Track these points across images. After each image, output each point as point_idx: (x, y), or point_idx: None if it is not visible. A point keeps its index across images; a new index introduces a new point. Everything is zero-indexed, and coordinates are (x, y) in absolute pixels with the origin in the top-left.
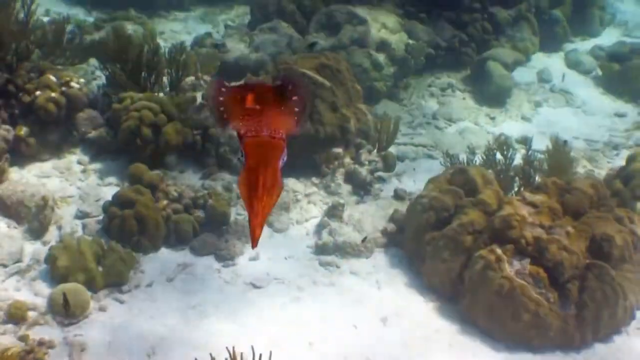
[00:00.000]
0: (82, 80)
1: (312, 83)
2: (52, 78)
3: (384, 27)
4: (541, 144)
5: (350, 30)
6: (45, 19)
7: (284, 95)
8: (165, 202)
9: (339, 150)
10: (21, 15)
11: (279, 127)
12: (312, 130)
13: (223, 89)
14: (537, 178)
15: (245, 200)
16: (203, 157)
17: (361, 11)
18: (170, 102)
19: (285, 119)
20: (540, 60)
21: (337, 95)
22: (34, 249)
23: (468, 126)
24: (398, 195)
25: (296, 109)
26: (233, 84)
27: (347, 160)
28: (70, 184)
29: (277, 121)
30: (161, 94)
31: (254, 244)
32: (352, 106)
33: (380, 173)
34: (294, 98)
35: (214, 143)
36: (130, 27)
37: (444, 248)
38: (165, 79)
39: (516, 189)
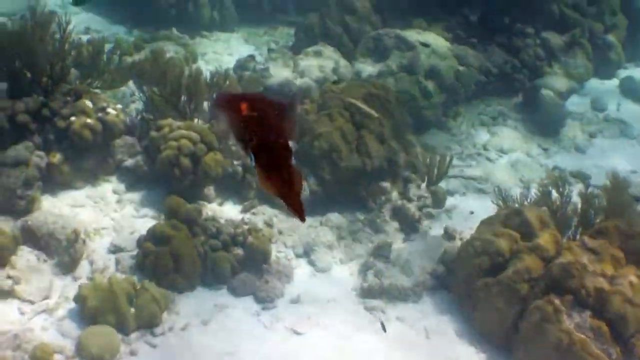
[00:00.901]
0: (119, 105)
1: (359, 113)
2: (88, 103)
3: (434, 52)
4: (597, 177)
5: (398, 55)
6: (85, 37)
7: (273, 104)
8: (202, 238)
9: (386, 184)
10: (57, 35)
11: (281, 132)
12: (359, 163)
13: (221, 98)
14: (596, 218)
15: (276, 194)
16: (243, 189)
17: (410, 36)
18: (210, 131)
19: (282, 125)
20: (594, 87)
21: (385, 126)
22: (63, 284)
23: (520, 158)
24: (448, 235)
25: (288, 117)
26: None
27: (395, 195)
28: (105, 215)
29: (277, 127)
30: (201, 121)
31: (303, 218)
32: (401, 138)
33: (429, 209)
34: (285, 108)
35: (255, 175)
36: (171, 48)
37: (497, 295)
38: (206, 105)
39: (573, 228)
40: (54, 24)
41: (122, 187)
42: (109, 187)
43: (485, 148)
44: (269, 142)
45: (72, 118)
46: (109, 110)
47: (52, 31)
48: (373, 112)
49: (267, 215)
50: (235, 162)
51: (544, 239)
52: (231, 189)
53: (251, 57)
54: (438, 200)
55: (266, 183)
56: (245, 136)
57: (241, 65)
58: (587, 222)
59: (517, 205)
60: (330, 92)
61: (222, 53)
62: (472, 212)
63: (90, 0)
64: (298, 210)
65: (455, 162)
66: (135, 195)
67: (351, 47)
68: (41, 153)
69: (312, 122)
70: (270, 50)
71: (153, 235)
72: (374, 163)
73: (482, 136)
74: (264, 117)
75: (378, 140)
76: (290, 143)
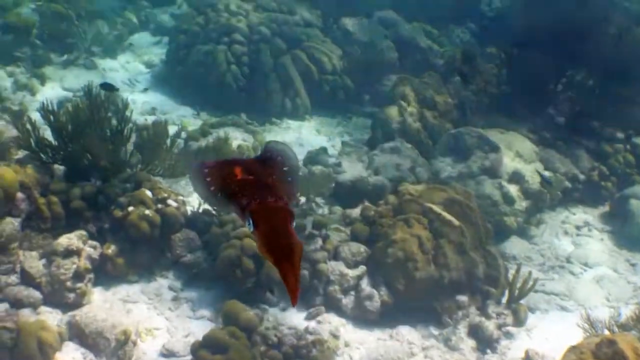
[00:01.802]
0: (180, 197)
1: (439, 220)
2: (148, 193)
3: (518, 155)
4: None
5: (480, 157)
6: (151, 118)
7: (269, 165)
8: (262, 348)
9: (463, 298)
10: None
11: (280, 194)
12: (436, 275)
13: (206, 169)
14: None
15: (274, 263)
16: (309, 294)
17: (493, 135)
18: None
19: (281, 186)
20: None
21: (465, 236)
22: None
23: (606, 273)
24: (530, 359)
25: (288, 178)
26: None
27: (472, 310)
28: (159, 313)
29: (275, 189)
30: None
31: (295, 301)
32: (481, 248)
33: (508, 328)
34: (284, 168)
35: (322, 281)
36: (239, 135)
37: None
38: None
39: None
40: (112, 105)
41: (178, 283)
42: (165, 283)
43: (568, 260)
44: (268, 206)
45: (130, 208)
46: (170, 201)
47: (111, 112)
48: (454, 220)
49: (333, 325)
50: (302, 265)
51: None
52: None
53: (323, 150)
54: (519, 319)
55: (265, 250)
56: (243, 200)
57: (312, 158)
58: None
59: (605, 329)
60: (407, 194)
61: (292, 143)
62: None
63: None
64: (292, 289)
65: (536, 274)
66: (193, 294)
67: (429, 144)
68: (95, 243)
69: (387, 227)
70: (344, 143)
71: (209, 342)
72: (452, 275)
73: (566, 247)
74: (261, 179)
75: (458, 252)
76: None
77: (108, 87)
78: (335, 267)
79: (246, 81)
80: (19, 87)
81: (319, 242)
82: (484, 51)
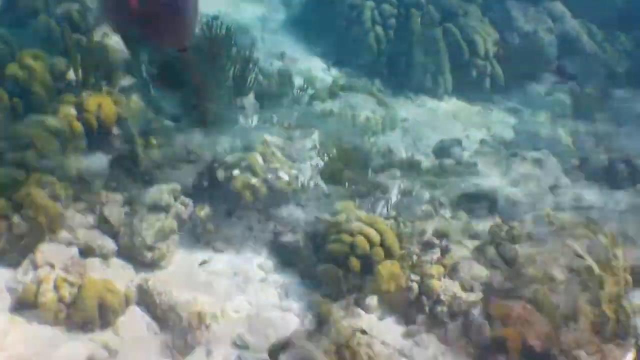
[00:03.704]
0: (293, 171)
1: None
2: (259, 159)
3: None
4: None
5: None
6: (277, 64)
7: None
8: None
9: (582, 354)
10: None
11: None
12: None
13: None
14: None
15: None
16: (412, 310)
17: None
18: (394, 234)
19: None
20: None
21: (603, 287)
22: None
23: None
24: None
25: None
26: None
27: None
28: (242, 293)
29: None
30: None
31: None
32: (616, 302)
33: None
34: None
35: (434, 300)
36: (369, 106)
37: None
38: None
39: None
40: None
41: (270, 264)
42: (256, 261)
43: None
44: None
45: (235, 172)
46: (281, 174)
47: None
48: (594, 267)
49: (430, 351)
50: (413, 277)
51: None
52: (398, 305)
53: (457, 142)
54: None
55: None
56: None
57: (444, 149)
58: None
59: None
60: (548, 223)
61: (424, 124)
62: None
63: None
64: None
65: None
66: (284, 280)
67: (576, 163)
68: (187, 200)
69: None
70: (482, 141)
71: (293, 354)
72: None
73: None
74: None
75: (590, 301)
76: None
77: None
78: (449, 287)
79: (389, 46)
80: None
81: (437, 253)
82: None
